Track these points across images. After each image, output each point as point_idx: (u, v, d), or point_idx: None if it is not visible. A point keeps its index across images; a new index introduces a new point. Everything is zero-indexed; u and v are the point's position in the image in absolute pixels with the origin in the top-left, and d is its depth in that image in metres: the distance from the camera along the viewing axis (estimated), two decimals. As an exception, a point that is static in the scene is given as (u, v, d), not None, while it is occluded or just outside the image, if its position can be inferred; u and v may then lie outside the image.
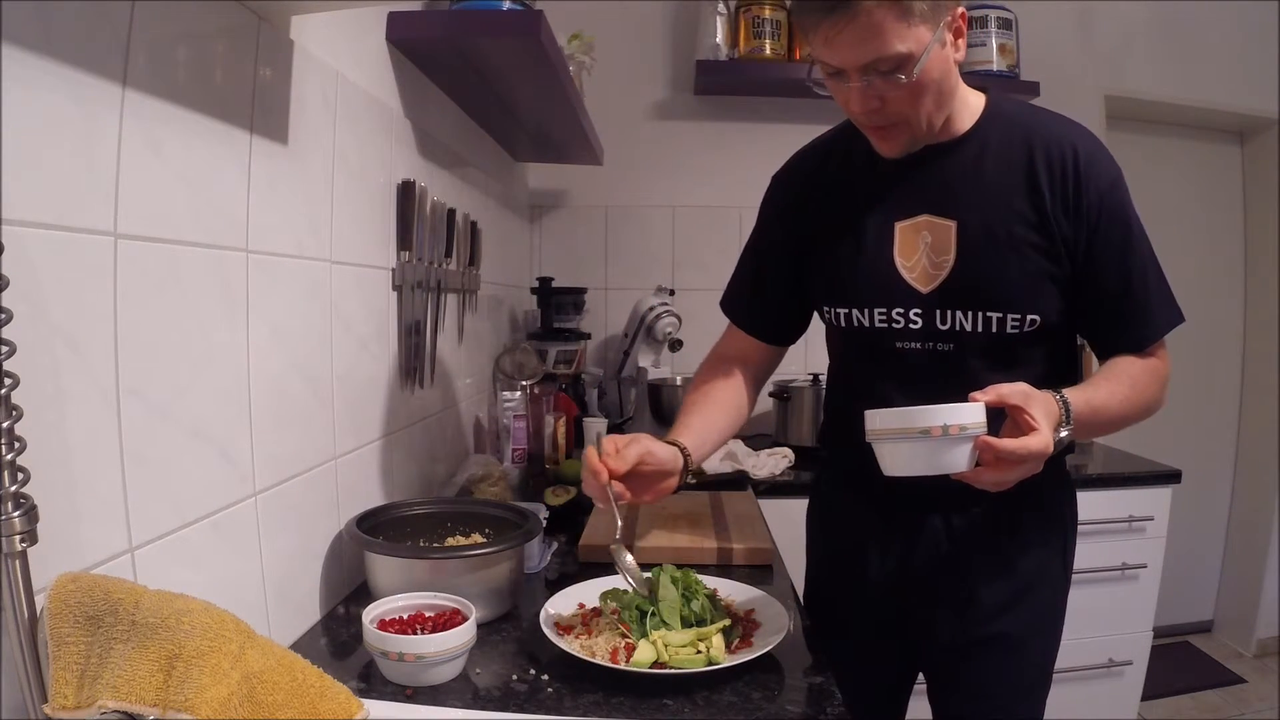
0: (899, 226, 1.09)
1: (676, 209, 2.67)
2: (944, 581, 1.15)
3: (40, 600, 0.60)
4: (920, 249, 1.08)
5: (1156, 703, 2.56)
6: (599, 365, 2.60)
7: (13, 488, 0.56)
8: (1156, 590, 2.13)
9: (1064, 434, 0.95)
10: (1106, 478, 2.11)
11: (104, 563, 0.68)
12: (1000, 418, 0.92)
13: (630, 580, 1.02)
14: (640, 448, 1.03)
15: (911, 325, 1.09)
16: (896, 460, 0.93)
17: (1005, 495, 0.96)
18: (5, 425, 0.55)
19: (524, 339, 2.32)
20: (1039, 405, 0.91)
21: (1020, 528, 1.13)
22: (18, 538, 0.56)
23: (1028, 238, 1.04)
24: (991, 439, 0.89)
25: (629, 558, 1.03)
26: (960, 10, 0.98)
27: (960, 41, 1.01)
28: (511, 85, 1.58)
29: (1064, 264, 1.04)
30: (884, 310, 1.10)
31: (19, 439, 0.56)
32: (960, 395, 0.92)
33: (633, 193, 2.66)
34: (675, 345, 2.34)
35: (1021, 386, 0.92)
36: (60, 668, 0.59)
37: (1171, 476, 2.12)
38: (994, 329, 1.06)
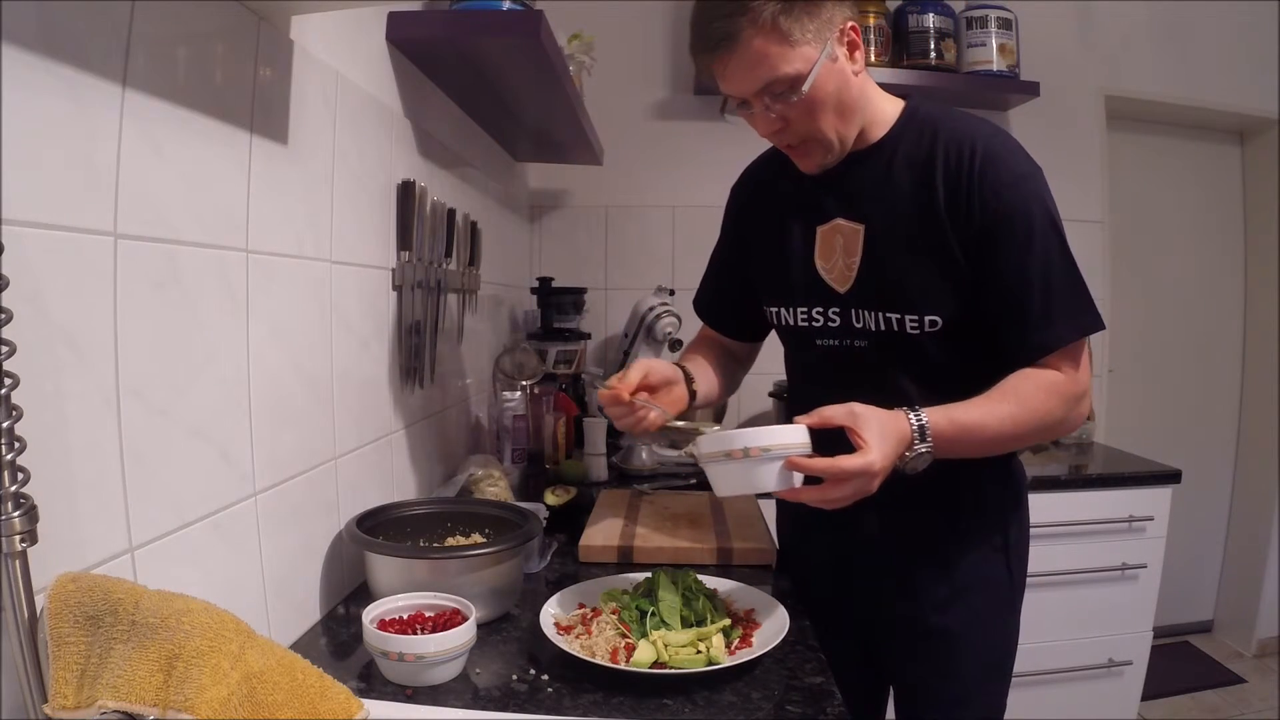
0: (819, 230, 1.15)
1: (676, 209, 2.67)
2: (884, 577, 1.18)
3: (40, 600, 0.60)
4: (837, 251, 1.13)
5: (1156, 703, 2.56)
6: (599, 365, 2.60)
7: (13, 488, 0.56)
8: (1156, 590, 2.14)
9: (920, 450, 0.96)
10: (1106, 478, 2.11)
11: (104, 563, 0.68)
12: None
13: (685, 437, 1.11)
14: (640, 366, 1.12)
15: (830, 324, 1.15)
16: (718, 481, 0.98)
17: (938, 492, 0.99)
18: (5, 425, 0.55)
19: (524, 339, 2.32)
20: (872, 425, 0.93)
21: (956, 526, 1.15)
22: (18, 538, 0.56)
23: (925, 239, 1.05)
24: (800, 459, 0.92)
25: (679, 422, 1.12)
26: (851, 24, 1.02)
27: (857, 54, 1.04)
28: (511, 85, 1.58)
29: (962, 265, 1.04)
30: (805, 309, 1.16)
31: (19, 439, 0.56)
32: (880, 392, 0.99)
33: (633, 193, 2.66)
34: (675, 345, 2.34)
35: (850, 407, 0.95)
36: (60, 668, 0.59)
37: (1171, 476, 2.12)
38: (895, 328, 1.08)
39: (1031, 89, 2.53)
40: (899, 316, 1.07)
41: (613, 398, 1.07)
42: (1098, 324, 1.03)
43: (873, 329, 1.10)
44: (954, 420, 0.98)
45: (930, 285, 1.06)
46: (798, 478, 0.94)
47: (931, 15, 2.49)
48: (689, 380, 1.19)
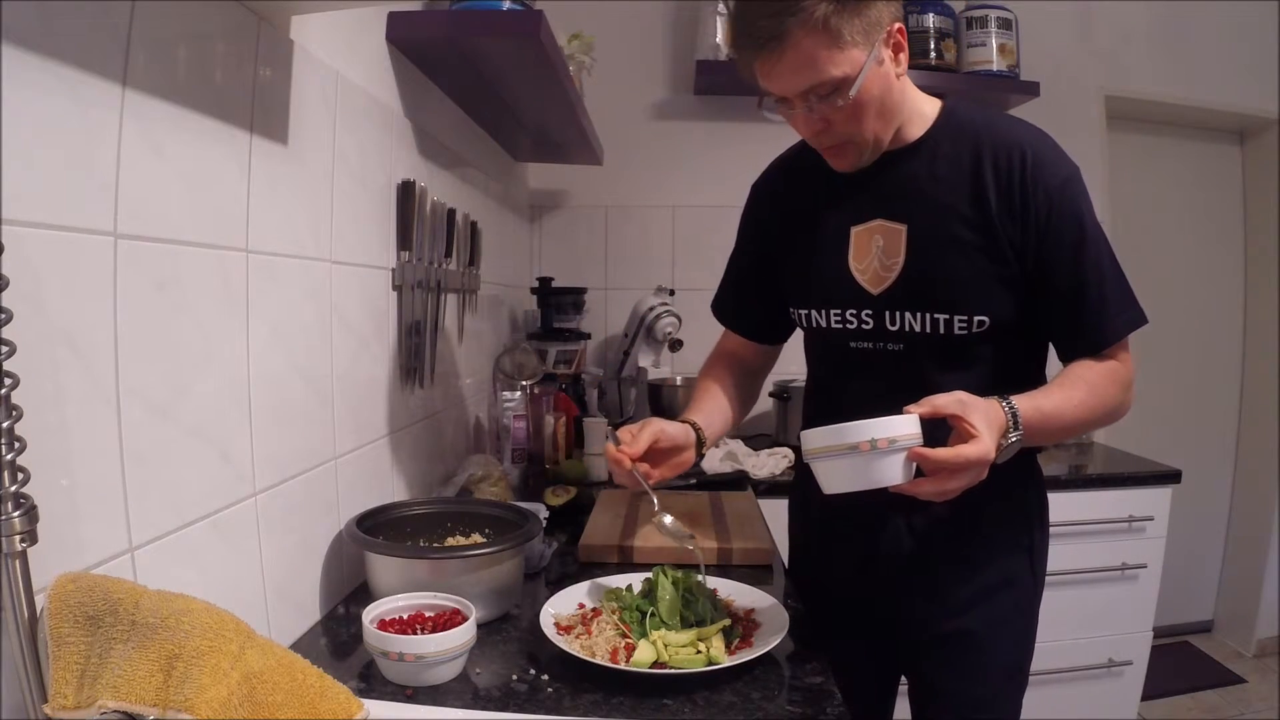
0: (854, 231, 1.13)
1: (676, 209, 2.67)
2: (908, 577, 1.17)
3: (40, 600, 0.60)
4: (873, 252, 1.11)
5: (1156, 703, 2.56)
6: (599, 365, 2.60)
7: (13, 488, 0.56)
8: (1156, 590, 2.14)
9: (1012, 439, 0.95)
10: (1106, 478, 2.11)
11: (104, 563, 0.68)
12: (947, 427, 0.93)
13: (676, 539, 1.13)
14: (653, 429, 1.10)
15: (864, 326, 1.13)
16: (831, 478, 0.94)
17: (967, 494, 0.97)
18: (5, 425, 0.55)
19: (524, 339, 2.32)
20: (979, 413, 0.92)
21: (983, 526, 1.14)
22: (18, 538, 0.56)
23: (974, 240, 1.05)
24: (925, 450, 0.90)
25: (669, 519, 1.13)
26: (898, 26, 1.01)
27: (901, 56, 1.03)
28: (511, 85, 1.58)
29: (1012, 266, 1.05)
30: (838, 311, 1.14)
31: (19, 439, 0.56)
32: (912, 395, 0.94)
33: (633, 193, 2.66)
34: (675, 345, 2.34)
35: (957, 395, 0.93)
36: (60, 668, 0.59)
37: (1171, 476, 2.12)
38: (941, 330, 1.07)
39: (1031, 89, 2.53)
40: (947, 317, 1.06)
41: (616, 460, 1.06)
42: (1144, 317, 1.08)
43: (915, 329, 1.09)
44: (1038, 407, 0.99)
45: (980, 285, 1.06)
46: (913, 469, 0.92)
47: (931, 15, 2.49)
48: (699, 444, 1.16)
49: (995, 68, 2.51)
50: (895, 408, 0.92)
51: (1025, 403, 0.98)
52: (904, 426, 0.90)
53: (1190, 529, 2.78)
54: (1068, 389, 1.03)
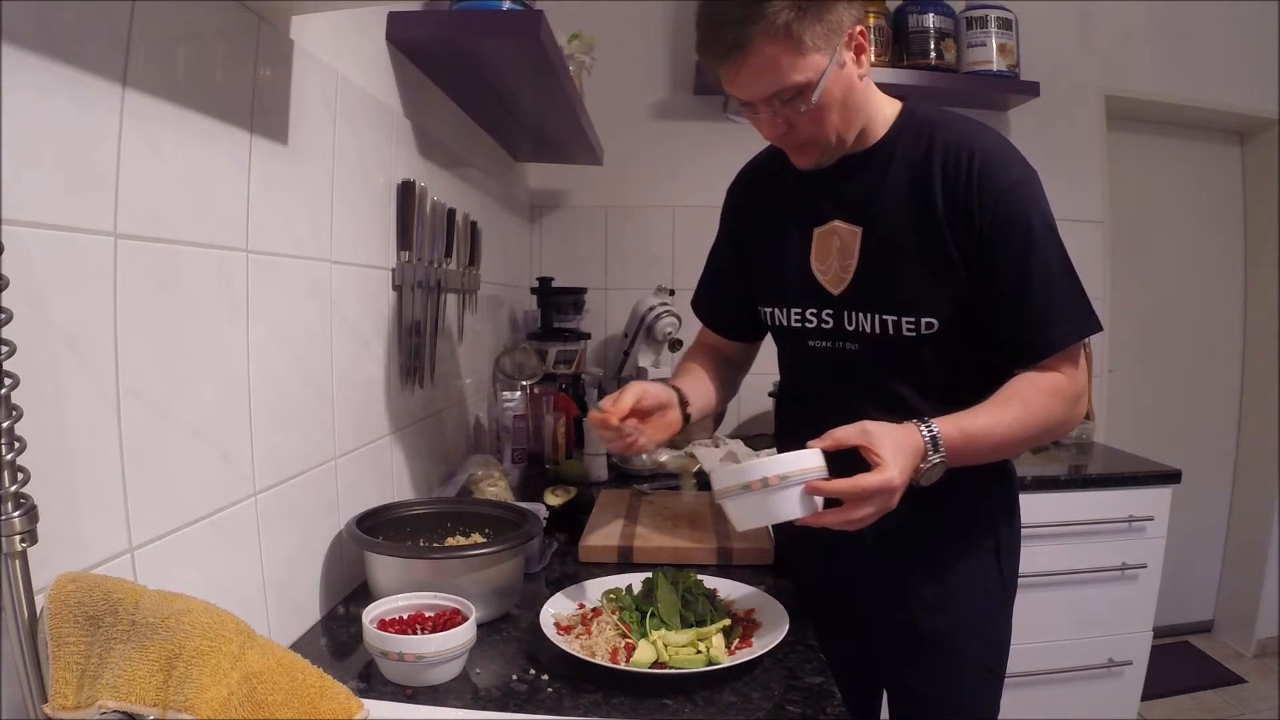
0: (816, 232, 1.15)
1: (676, 209, 2.67)
2: (876, 581, 1.18)
3: (40, 600, 0.60)
4: (833, 253, 1.13)
5: (1156, 703, 2.56)
6: (599, 365, 2.60)
7: (13, 488, 0.56)
8: (1156, 590, 2.14)
9: (934, 461, 0.96)
10: (1106, 478, 2.10)
11: (104, 563, 0.68)
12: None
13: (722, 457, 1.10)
14: (635, 390, 1.10)
15: (823, 325, 1.14)
16: (738, 515, 0.96)
17: (929, 497, 0.98)
18: (5, 425, 0.55)
19: (524, 339, 2.32)
20: (886, 441, 0.93)
21: (945, 528, 1.15)
22: (18, 538, 0.56)
23: (923, 243, 1.06)
24: (820, 482, 0.91)
25: (722, 448, 1.12)
26: (859, 28, 1.02)
27: (863, 58, 1.04)
28: (511, 85, 1.58)
29: (960, 269, 1.05)
30: (799, 310, 1.16)
31: (19, 439, 0.56)
32: (869, 394, 0.99)
33: (633, 193, 2.66)
34: (675, 345, 2.34)
35: (861, 425, 0.95)
36: (60, 668, 0.59)
37: (1171, 476, 2.12)
38: (890, 331, 1.08)
39: (1031, 89, 2.53)
40: (895, 319, 1.08)
41: (601, 422, 1.07)
42: (1095, 326, 1.05)
43: (866, 331, 1.10)
44: (963, 429, 0.98)
45: (928, 288, 1.06)
46: (818, 502, 0.93)
47: (931, 15, 2.49)
48: (683, 404, 1.17)
49: (995, 68, 2.50)
50: (854, 407, 0.96)
51: (948, 425, 0.98)
52: (800, 461, 0.92)
53: (1190, 529, 2.77)
54: (1001, 407, 1.02)
